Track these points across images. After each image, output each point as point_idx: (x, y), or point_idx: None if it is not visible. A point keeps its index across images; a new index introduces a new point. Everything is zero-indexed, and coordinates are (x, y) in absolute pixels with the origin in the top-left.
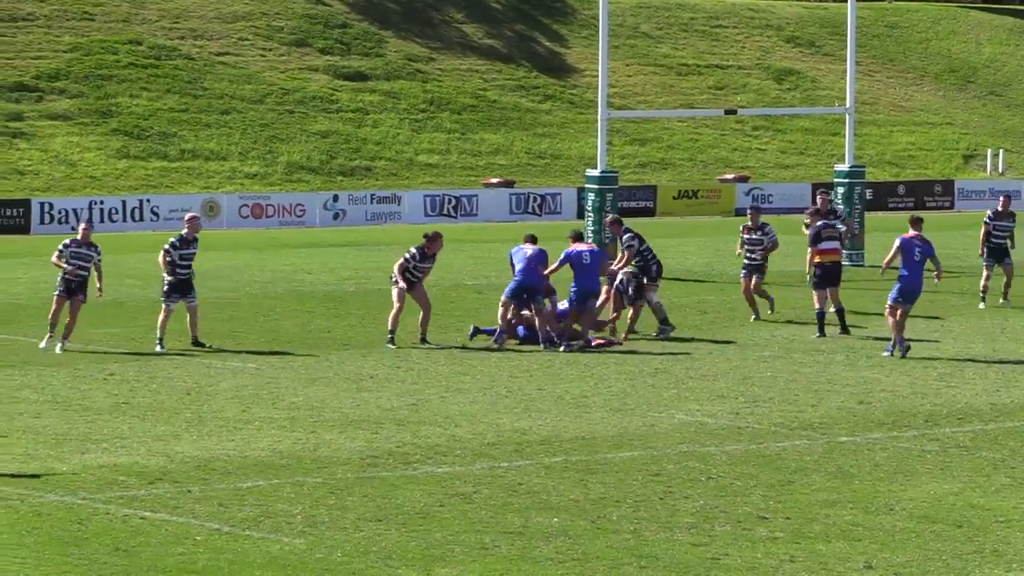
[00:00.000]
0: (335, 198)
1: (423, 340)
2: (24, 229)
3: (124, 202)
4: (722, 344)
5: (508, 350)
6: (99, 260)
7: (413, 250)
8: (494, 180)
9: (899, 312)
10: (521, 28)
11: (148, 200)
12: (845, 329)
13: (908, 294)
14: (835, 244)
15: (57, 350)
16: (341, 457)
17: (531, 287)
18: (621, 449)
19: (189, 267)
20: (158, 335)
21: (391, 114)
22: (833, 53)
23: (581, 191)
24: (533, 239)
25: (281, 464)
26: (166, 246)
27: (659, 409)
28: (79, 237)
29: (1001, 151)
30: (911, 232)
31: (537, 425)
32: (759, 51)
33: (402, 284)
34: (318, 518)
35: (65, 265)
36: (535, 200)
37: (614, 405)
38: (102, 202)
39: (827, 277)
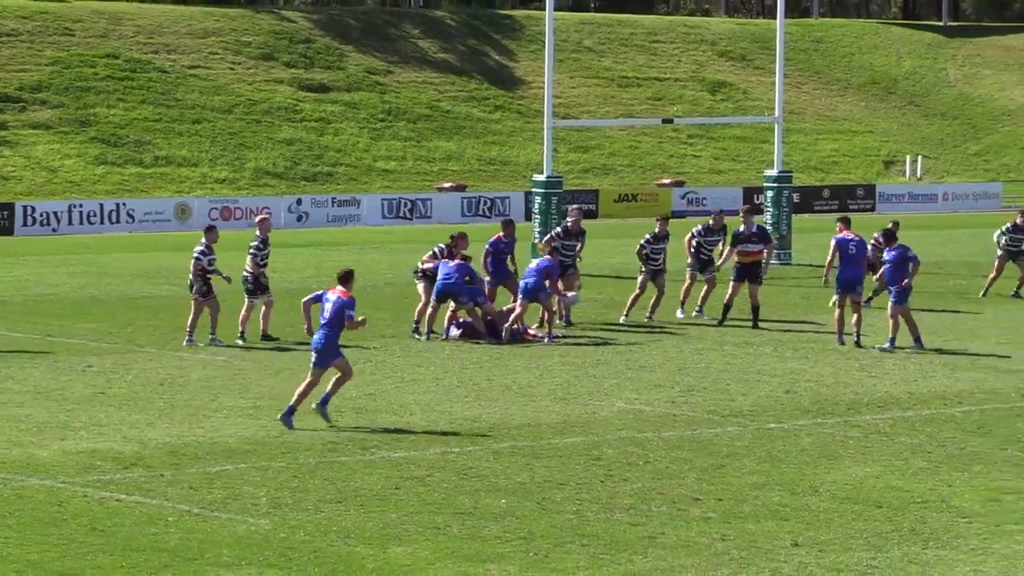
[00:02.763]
0: (299, 201)
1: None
2: (8, 231)
3: (102, 205)
4: (659, 337)
5: (463, 343)
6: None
7: (437, 249)
8: (447, 184)
9: (847, 302)
10: (473, 43)
11: (124, 203)
12: (756, 324)
13: (847, 284)
14: (754, 247)
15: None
16: (303, 443)
17: (450, 291)
18: (565, 435)
19: (267, 265)
20: (240, 330)
21: (351, 123)
22: (763, 66)
23: (528, 195)
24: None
25: (247, 450)
26: (252, 250)
27: (600, 398)
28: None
29: (919, 157)
30: (842, 231)
31: (486, 413)
32: (694, 64)
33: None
34: (282, 500)
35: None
36: (485, 203)
37: (558, 394)
38: (81, 205)
39: (744, 273)
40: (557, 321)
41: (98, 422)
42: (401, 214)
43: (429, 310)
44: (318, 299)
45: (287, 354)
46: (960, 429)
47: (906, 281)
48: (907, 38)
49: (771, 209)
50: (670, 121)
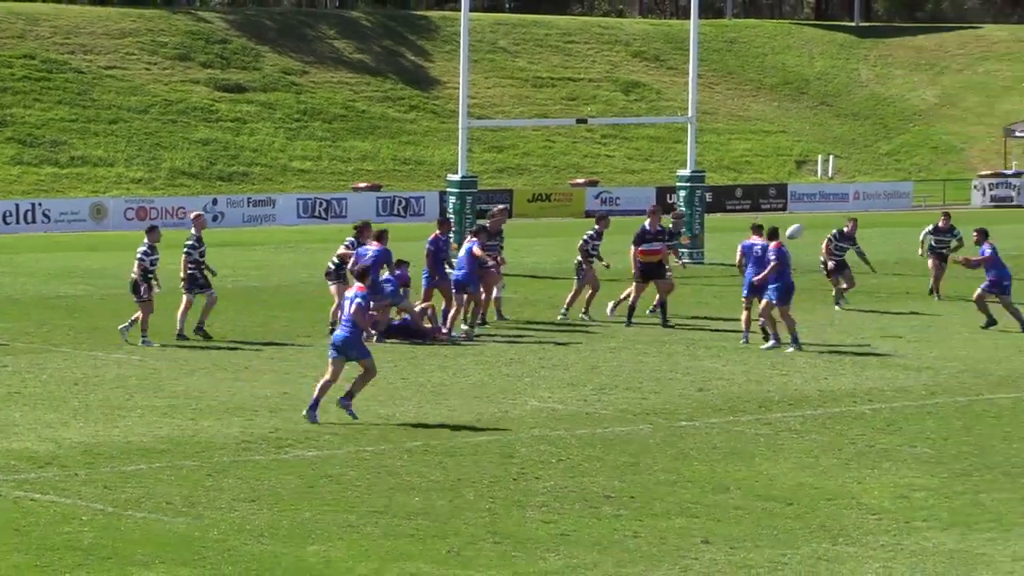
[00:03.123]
0: (214, 201)
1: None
2: None
3: (17, 205)
4: (572, 335)
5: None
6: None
7: (349, 241)
8: (362, 184)
9: (753, 304)
10: (388, 44)
11: (40, 204)
12: (665, 322)
13: (753, 288)
14: (657, 246)
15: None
16: (218, 442)
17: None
18: (478, 434)
19: (204, 262)
20: (178, 328)
21: (267, 123)
22: (676, 67)
23: (443, 194)
24: (378, 237)
25: (162, 449)
26: (186, 248)
27: (513, 396)
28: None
29: (831, 157)
30: (752, 237)
31: (400, 411)
32: (608, 65)
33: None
34: (196, 499)
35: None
36: (400, 203)
37: (472, 393)
38: None
39: (647, 273)
40: (492, 319)
41: (13, 422)
42: (316, 214)
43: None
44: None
45: (205, 353)
46: (870, 427)
47: (758, 278)
48: (819, 38)
49: (684, 208)
50: (584, 121)
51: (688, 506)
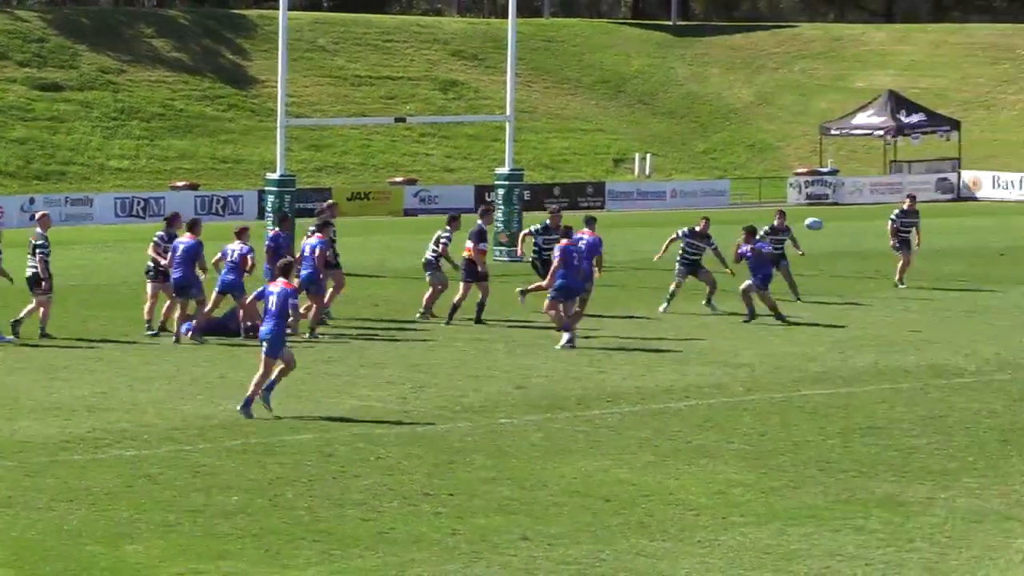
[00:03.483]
0: (31, 200)
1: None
2: None
3: None
4: (391, 333)
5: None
6: None
7: (157, 237)
8: (180, 183)
9: (561, 307)
10: (207, 42)
11: None
12: (479, 319)
13: (565, 292)
14: (484, 246)
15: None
16: (36, 442)
17: (182, 284)
18: (297, 432)
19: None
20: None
21: (84, 122)
22: (495, 65)
23: (261, 193)
24: (191, 227)
25: None
26: (41, 250)
27: (332, 395)
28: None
29: (648, 155)
30: (564, 241)
31: (219, 411)
32: (427, 63)
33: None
34: (14, 499)
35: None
36: (219, 202)
37: (291, 391)
38: None
39: (471, 271)
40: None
41: None
42: (134, 213)
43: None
44: (261, 295)
45: (22, 352)
46: (687, 423)
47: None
48: (637, 38)
49: (502, 207)
50: (403, 120)
51: (507, 503)
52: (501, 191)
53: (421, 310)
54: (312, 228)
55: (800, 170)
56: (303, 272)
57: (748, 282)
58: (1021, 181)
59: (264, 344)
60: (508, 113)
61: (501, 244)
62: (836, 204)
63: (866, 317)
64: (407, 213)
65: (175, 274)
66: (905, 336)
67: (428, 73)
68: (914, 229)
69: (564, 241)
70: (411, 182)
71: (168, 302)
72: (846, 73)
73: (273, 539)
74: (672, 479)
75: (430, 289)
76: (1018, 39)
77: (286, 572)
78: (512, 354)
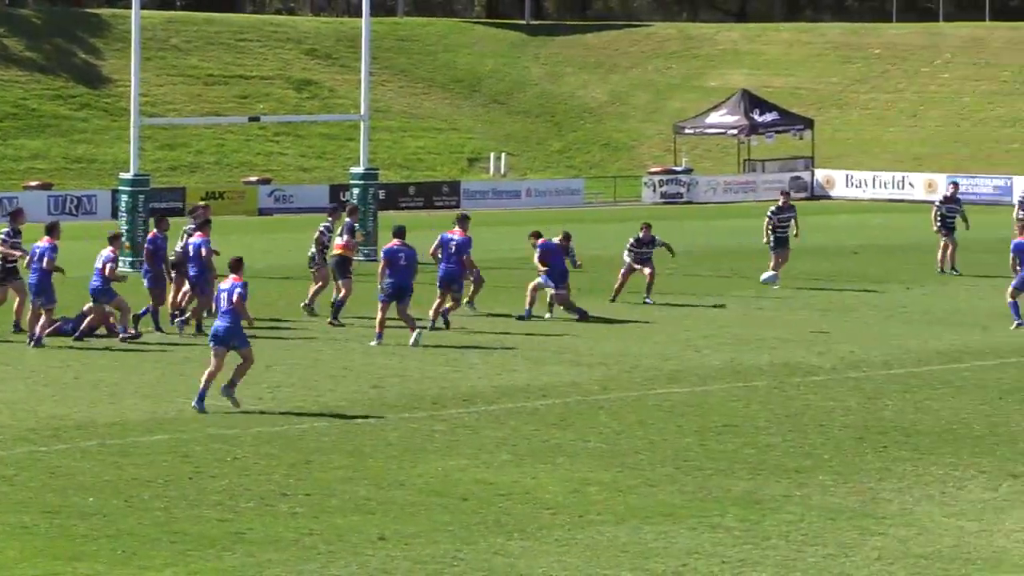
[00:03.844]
0: None
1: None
2: None
3: None
4: (248, 333)
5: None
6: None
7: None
8: (33, 183)
9: (389, 308)
10: (59, 42)
11: None
12: (335, 319)
13: (395, 292)
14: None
15: None
16: None
17: (37, 289)
18: (153, 433)
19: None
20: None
21: None
22: (349, 65)
23: (115, 193)
24: (49, 231)
25: None
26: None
27: (188, 396)
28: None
29: (503, 154)
30: (394, 242)
31: (74, 412)
32: (281, 63)
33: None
34: None
35: None
36: (72, 201)
37: (146, 392)
38: None
39: (341, 268)
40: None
41: None
42: None
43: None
44: (216, 297)
45: None
46: (544, 422)
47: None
48: (491, 37)
49: (358, 206)
50: (257, 119)
51: (364, 502)
52: (356, 190)
53: (306, 301)
54: (190, 228)
55: (654, 169)
56: (191, 272)
57: (540, 280)
58: (874, 179)
59: (214, 340)
60: (363, 112)
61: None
62: (690, 203)
63: (721, 316)
64: (262, 213)
65: (31, 278)
66: (760, 334)
67: (282, 72)
68: (792, 223)
69: (395, 242)
70: (265, 181)
71: (18, 300)
72: (700, 72)
73: (129, 540)
74: (529, 478)
75: (314, 284)
76: (870, 38)
77: (143, 573)
78: (368, 353)
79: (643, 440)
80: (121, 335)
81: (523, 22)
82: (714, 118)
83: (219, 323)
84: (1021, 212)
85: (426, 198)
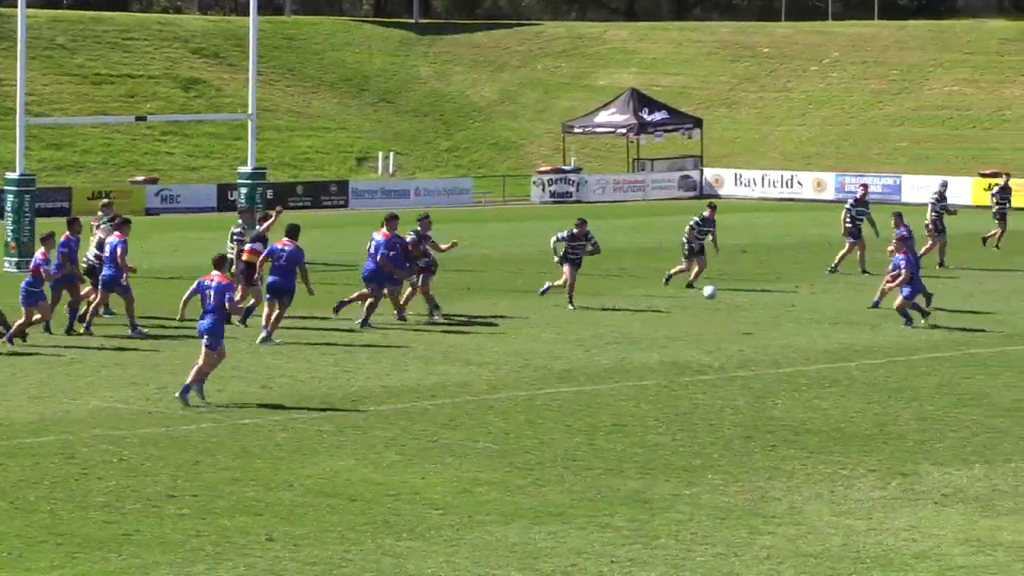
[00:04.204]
0: None
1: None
2: None
3: None
4: (138, 334)
5: None
6: None
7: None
8: None
9: (275, 305)
10: None
11: None
12: (244, 321)
13: (274, 292)
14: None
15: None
16: None
17: None
18: (38, 434)
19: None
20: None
21: None
22: (236, 63)
23: (1, 193)
24: None
25: None
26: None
27: (75, 396)
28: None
29: (392, 154)
30: (282, 240)
31: None
32: (168, 62)
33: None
34: None
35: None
36: None
37: (32, 393)
38: None
39: (247, 272)
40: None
41: None
42: None
43: None
44: (199, 290)
45: None
46: (433, 422)
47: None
48: (379, 35)
49: (245, 205)
50: (143, 118)
51: (251, 504)
52: (244, 190)
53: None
54: (102, 221)
55: (544, 168)
56: (105, 272)
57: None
58: (763, 178)
59: (205, 337)
60: (250, 111)
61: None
62: (580, 202)
63: (610, 315)
64: (149, 212)
65: None
66: (649, 333)
67: (169, 71)
68: (711, 235)
69: (282, 241)
70: (152, 181)
71: None
72: (588, 71)
73: (15, 542)
74: (418, 478)
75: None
76: (759, 37)
77: None
78: (256, 353)
79: (532, 440)
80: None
81: (411, 21)
82: (603, 117)
83: (203, 321)
84: (933, 213)
85: (314, 198)
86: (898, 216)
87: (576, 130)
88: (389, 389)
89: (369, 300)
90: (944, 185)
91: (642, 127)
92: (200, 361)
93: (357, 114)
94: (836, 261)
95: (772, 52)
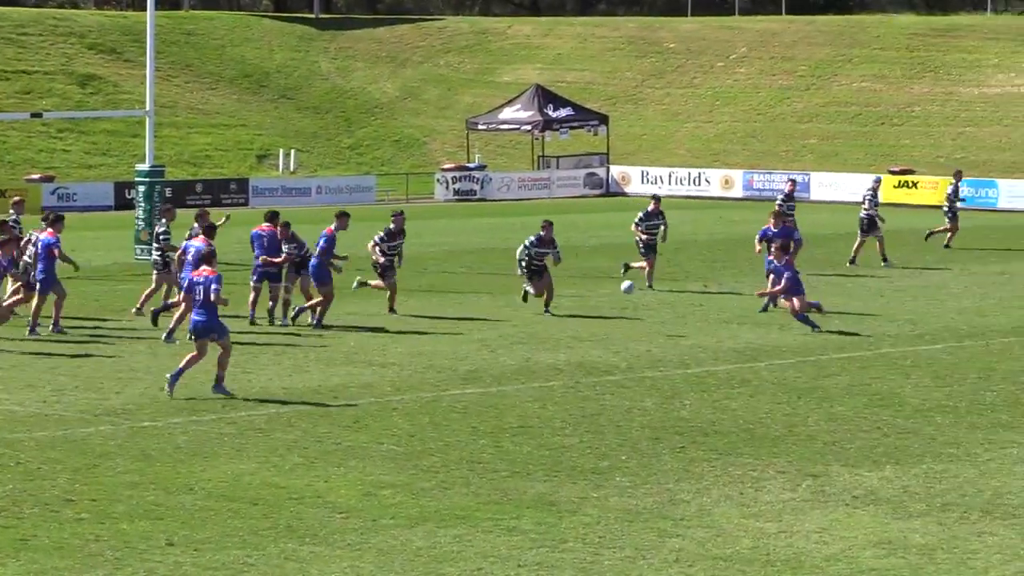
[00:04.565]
0: None
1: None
2: None
3: None
4: (23, 334)
5: None
6: None
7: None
8: None
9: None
10: None
11: None
12: (155, 320)
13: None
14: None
15: None
16: None
17: None
18: None
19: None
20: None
21: None
22: (134, 59)
23: None
24: None
25: None
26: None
27: None
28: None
29: (292, 151)
30: (198, 238)
31: None
32: (63, 57)
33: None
34: None
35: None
36: None
37: None
38: None
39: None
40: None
41: None
42: None
43: None
44: (190, 288)
45: None
46: (336, 424)
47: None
48: (279, 31)
49: (143, 204)
50: (39, 115)
51: (151, 508)
52: (142, 188)
53: (137, 307)
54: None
55: (447, 166)
56: (39, 270)
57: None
58: (670, 176)
59: (193, 332)
60: (148, 108)
61: (142, 243)
62: (484, 200)
63: (517, 315)
64: (44, 210)
65: None
66: (555, 333)
67: (65, 67)
68: (661, 229)
69: (201, 238)
70: (49, 179)
71: None
72: (492, 67)
73: None
74: (321, 481)
75: (152, 286)
76: (665, 32)
77: None
78: (154, 355)
79: (437, 442)
80: None
81: (312, 16)
82: (507, 114)
83: (196, 317)
84: (866, 211)
85: (214, 196)
86: (778, 215)
87: (480, 127)
88: (291, 391)
89: (317, 299)
90: (878, 182)
91: (547, 124)
92: (219, 353)
93: (257, 111)
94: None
95: (678, 48)
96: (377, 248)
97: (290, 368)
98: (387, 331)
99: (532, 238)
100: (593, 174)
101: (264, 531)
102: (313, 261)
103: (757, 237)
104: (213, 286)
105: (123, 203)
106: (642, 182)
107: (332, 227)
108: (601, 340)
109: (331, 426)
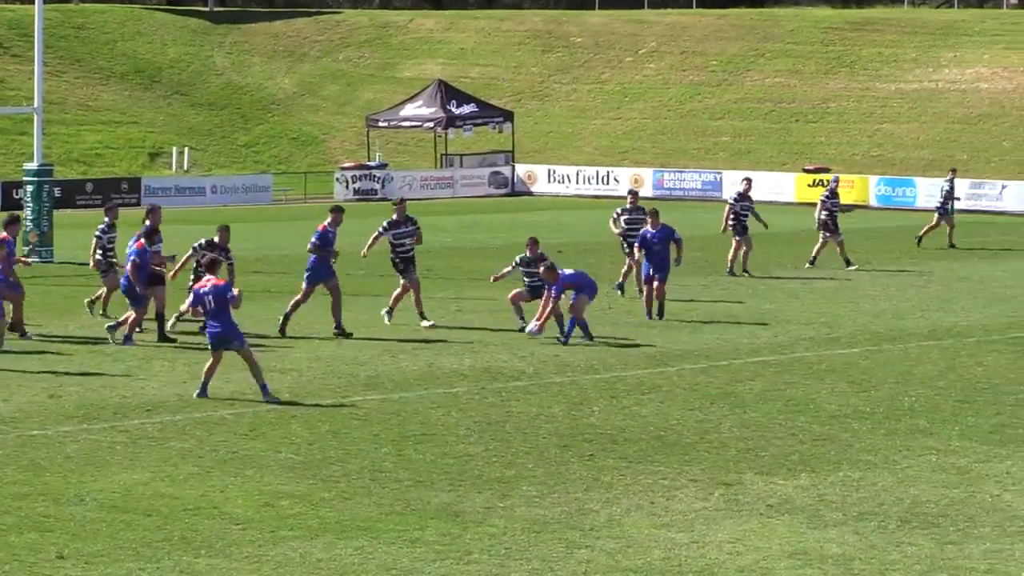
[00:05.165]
0: None
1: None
2: None
3: None
4: None
5: None
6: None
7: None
8: None
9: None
10: None
11: None
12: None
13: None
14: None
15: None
16: None
17: None
18: None
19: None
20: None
21: None
22: (21, 54)
23: None
24: None
25: None
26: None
27: None
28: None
29: (186, 149)
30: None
31: None
32: None
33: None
34: None
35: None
36: None
37: None
38: None
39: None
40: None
41: None
42: None
43: None
44: (199, 299)
45: None
46: (232, 432)
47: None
48: (172, 24)
49: (31, 204)
50: None
51: (41, 520)
52: (30, 188)
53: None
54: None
55: (347, 164)
56: None
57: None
58: (578, 175)
59: (211, 342)
60: (36, 105)
61: (30, 243)
62: (385, 199)
63: (418, 319)
64: None
65: None
66: (459, 337)
67: None
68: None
69: (141, 242)
70: None
71: None
72: (393, 62)
73: None
74: (217, 491)
75: (103, 289)
76: (571, 26)
77: None
78: (44, 361)
79: (337, 450)
80: None
81: (206, 9)
82: (409, 110)
83: (211, 329)
84: (824, 212)
85: (105, 196)
86: (655, 214)
87: (381, 124)
88: (185, 398)
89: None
90: (836, 181)
91: (450, 121)
92: (248, 368)
93: (149, 107)
94: (730, 262)
95: (586, 42)
96: (378, 240)
97: (184, 375)
98: (287, 336)
99: (517, 259)
100: (498, 173)
101: (158, 543)
102: (311, 260)
103: (636, 243)
104: (228, 294)
105: (11, 203)
106: (549, 181)
107: (326, 223)
108: (506, 345)
109: (227, 434)
